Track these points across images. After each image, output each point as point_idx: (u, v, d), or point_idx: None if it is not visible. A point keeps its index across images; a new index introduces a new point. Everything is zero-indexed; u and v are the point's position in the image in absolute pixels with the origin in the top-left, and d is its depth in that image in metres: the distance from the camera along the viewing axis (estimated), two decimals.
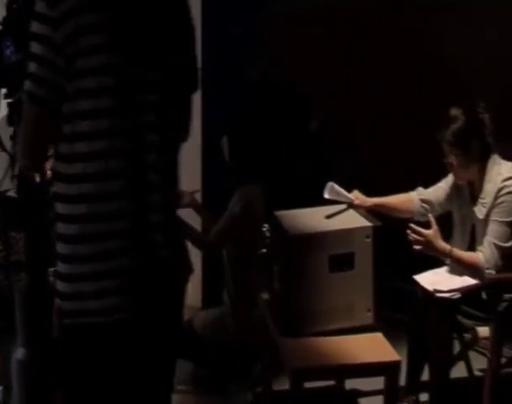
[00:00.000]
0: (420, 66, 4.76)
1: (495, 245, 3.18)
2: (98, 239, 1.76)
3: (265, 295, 3.52)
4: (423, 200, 3.53)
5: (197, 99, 4.39)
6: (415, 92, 4.74)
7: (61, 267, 1.80)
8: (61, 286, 1.81)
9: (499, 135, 3.32)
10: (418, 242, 3.21)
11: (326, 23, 4.92)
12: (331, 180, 3.48)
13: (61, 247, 1.80)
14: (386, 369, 2.95)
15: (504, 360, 3.59)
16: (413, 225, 3.23)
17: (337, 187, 3.42)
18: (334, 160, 4.71)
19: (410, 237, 3.22)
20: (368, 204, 3.50)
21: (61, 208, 1.80)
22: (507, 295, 3.21)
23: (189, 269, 2.01)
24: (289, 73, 4.86)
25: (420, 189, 3.57)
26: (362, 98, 4.84)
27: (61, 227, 1.79)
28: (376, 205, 3.52)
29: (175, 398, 3.57)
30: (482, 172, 3.29)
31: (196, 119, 4.38)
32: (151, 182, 1.82)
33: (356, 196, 3.50)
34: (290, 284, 3.17)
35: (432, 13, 4.72)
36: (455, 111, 3.28)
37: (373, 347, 3.04)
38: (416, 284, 3.37)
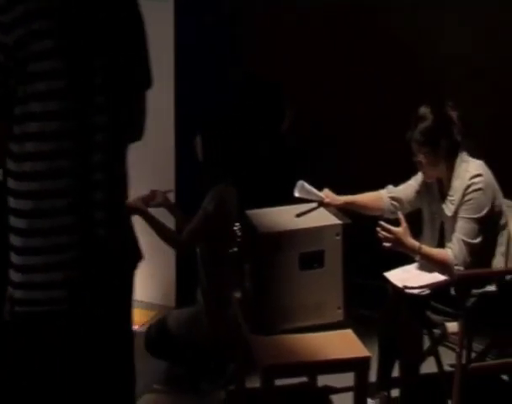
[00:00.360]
0: (397, 66, 4.81)
1: (464, 241, 3.21)
2: (46, 233, 1.83)
3: (237, 294, 3.55)
4: (392, 198, 3.57)
5: (170, 99, 4.48)
6: (388, 91, 4.79)
7: (14, 258, 1.88)
8: (13, 276, 1.88)
9: (467, 132, 3.36)
10: (387, 240, 3.24)
11: (299, 20, 4.96)
12: (301, 179, 3.50)
13: (13, 239, 1.88)
14: (356, 365, 2.99)
15: (474, 355, 3.66)
16: (382, 223, 3.26)
17: (307, 185, 3.44)
18: (306, 159, 4.75)
19: (380, 235, 3.25)
20: (338, 202, 3.53)
21: (12, 202, 1.87)
22: (475, 291, 3.24)
23: (138, 257, 2.04)
24: (261, 73, 4.89)
25: (390, 187, 3.61)
26: (333, 96, 4.88)
27: (13, 220, 1.87)
28: (347, 203, 3.55)
29: (149, 397, 3.63)
30: (451, 169, 3.32)
31: (169, 119, 4.46)
32: (97, 181, 1.86)
33: (326, 194, 3.52)
34: (261, 282, 3.21)
35: (420, 11, 4.77)
36: (423, 110, 3.31)
37: (343, 343, 3.07)
38: (386, 281, 3.39)
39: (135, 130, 2.03)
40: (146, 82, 2.02)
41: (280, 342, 3.05)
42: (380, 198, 3.59)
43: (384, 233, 3.24)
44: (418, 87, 4.53)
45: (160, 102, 4.46)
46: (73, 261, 1.85)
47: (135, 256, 2.03)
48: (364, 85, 4.88)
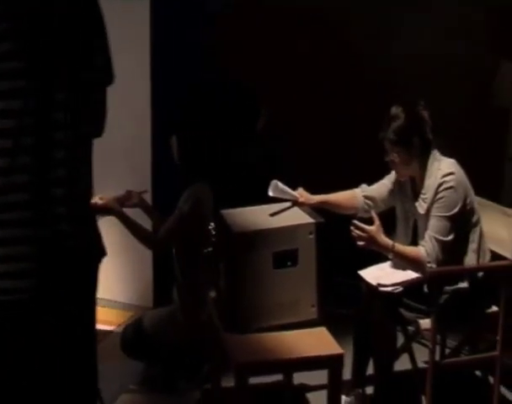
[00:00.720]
0: (363, 68, 4.85)
1: (436, 239, 3.24)
2: (4, 226, 1.85)
3: (213, 294, 3.56)
4: (366, 197, 3.60)
5: (147, 99, 4.48)
6: (358, 91, 4.83)
7: None
8: None
9: (439, 131, 3.39)
10: (361, 238, 3.27)
11: (275, 23, 4.98)
12: (277, 178, 3.52)
13: None
14: (330, 362, 3.00)
15: (448, 351, 3.70)
16: (356, 222, 3.28)
17: (281, 185, 3.46)
18: (281, 158, 4.77)
19: (353, 233, 3.27)
20: (312, 201, 3.56)
21: None
22: (448, 288, 3.28)
23: (101, 253, 2.05)
24: (236, 72, 4.91)
25: (364, 186, 3.64)
26: (309, 96, 4.91)
27: None
28: (321, 202, 3.58)
29: (126, 397, 3.63)
30: (423, 168, 3.35)
31: (146, 119, 4.47)
32: (58, 177, 1.88)
33: (301, 194, 3.55)
34: (235, 281, 3.22)
35: (384, 11, 4.82)
36: (395, 109, 3.34)
37: (317, 341, 3.09)
38: (361, 279, 3.42)
39: (96, 126, 2.04)
40: (108, 78, 2.03)
41: (254, 341, 3.06)
42: (354, 197, 3.62)
43: (357, 232, 3.26)
44: (386, 88, 4.58)
45: (136, 102, 4.49)
46: (32, 254, 1.86)
47: (97, 252, 2.04)
48: (309, 84, 4.92)
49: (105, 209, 3.45)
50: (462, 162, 3.37)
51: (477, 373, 3.72)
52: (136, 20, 4.44)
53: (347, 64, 4.87)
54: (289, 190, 3.49)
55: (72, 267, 1.92)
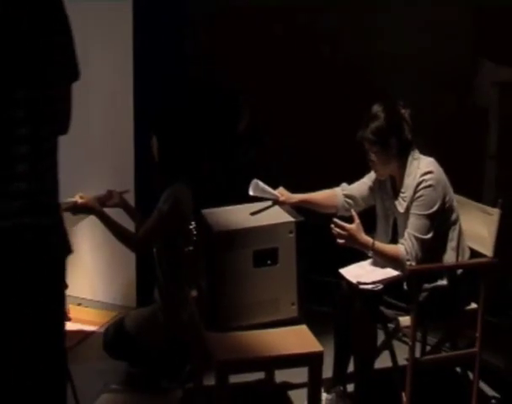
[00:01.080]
0: (344, 67, 4.87)
1: (415, 237, 3.26)
2: None
3: (194, 293, 3.57)
4: (346, 195, 3.62)
5: (129, 99, 4.49)
6: (340, 90, 4.85)
7: None
8: None
9: (419, 131, 3.42)
10: (340, 236, 3.29)
11: (257, 23, 5.00)
12: (258, 178, 3.53)
13: None
14: (310, 360, 3.02)
15: (428, 348, 3.73)
16: (336, 220, 3.30)
17: (261, 184, 3.47)
18: (263, 158, 4.80)
19: (334, 231, 3.29)
20: (293, 200, 3.57)
21: None
22: (427, 285, 3.31)
23: (67, 250, 2.06)
24: (220, 73, 4.93)
25: (344, 185, 3.66)
26: (291, 97, 4.92)
27: None
28: (301, 201, 3.59)
29: (107, 397, 3.63)
30: (403, 167, 3.36)
31: (129, 120, 4.47)
32: (20, 172, 1.89)
33: (281, 193, 3.56)
34: (216, 280, 3.24)
35: (365, 11, 4.85)
36: (375, 109, 3.36)
37: (297, 339, 3.11)
38: (341, 277, 3.44)
39: (60, 123, 2.04)
40: (71, 75, 2.03)
41: (235, 339, 3.08)
42: (334, 195, 3.64)
43: (338, 230, 3.28)
44: (367, 87, 4.60)
45: (119, 102, 4.50)
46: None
47: (62, 248, 2.04)
48: (292, 85, 4.94)
49: (85, 209, 3.46)
50: (444, 161, 3.39)
51: (458, 369, 3.75)
52: (119, 20, 4.45)
53: (329, 64, 4.90)
54: (269, 189, 3.51)
55: (33, 260, 1.92)
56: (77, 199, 3.46)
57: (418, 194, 3.30)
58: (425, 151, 3.42)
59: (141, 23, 4.50)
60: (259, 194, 3.48)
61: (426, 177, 3.29)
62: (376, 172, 3.48)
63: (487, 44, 4.60)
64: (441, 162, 3.39)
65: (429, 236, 3.27)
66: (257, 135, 4.94)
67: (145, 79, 4.52)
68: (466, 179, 3.87)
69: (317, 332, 3.20)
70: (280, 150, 4.86)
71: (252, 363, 2.99)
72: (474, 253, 3.47)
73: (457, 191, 3.46)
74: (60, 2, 1.99)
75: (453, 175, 3.40)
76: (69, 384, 2.90)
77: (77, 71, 2.03)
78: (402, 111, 3.37)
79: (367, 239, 3.32)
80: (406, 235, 3.29)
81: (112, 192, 3.74)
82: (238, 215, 3.41)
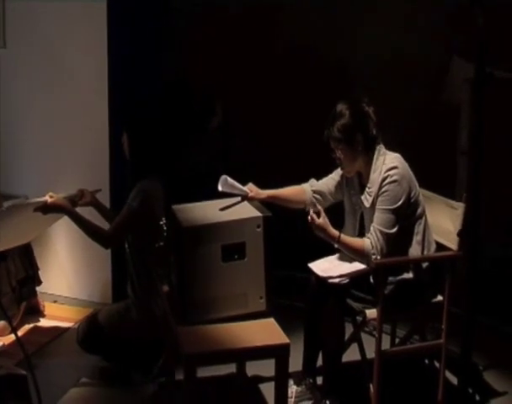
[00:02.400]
0: (313, 64, 4.93)
1: (380, 231, 3.32)
2: None
3: (166, 288, 3.62)
4: (315, 191, 3.67)
5: (104, 97, 4.52)
6: (309, 88, 4.90)
7: None
8: None
9: (384, 126, 3.47)
10: (313, 221, 3.32)
11: (230, 22, 5.05)
12: (227, 174, 3.57)
13: None
14: (276, 352, 3.06)
15: (397, 341, 3.79)
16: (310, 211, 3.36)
17: (230, 180, 3.50)
18: (233, 154, 4.85)
19: (310, 216, 3.33)
20: (262, 195, 3.61)
21: None
22: (392, 278, 3.37)
23: None
24: (192, 71, 4.97)
25: (312, 181, 3.71)
26: (261, 94, 4.98)
27: None
28: (270, 197, 3.63)
29: (76, 391, 3.67)
30: (369, 163, 3.42)
31: (103, 118, 4.50)
32: None
33: (250, 188, 3.60)
34: (185, 274, 3.28)
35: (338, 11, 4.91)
36: (340, 107, 3.41)
37: (265, 331, 3.15)
38: (310, 271, 3.49)
39: None
40: None
41: (203, 332, 3.12)
42: (302, 191, 3.69)
43: (313, 215, 3.32)
44: (338, 85, 4.66)
45: (94, 101, 4.53)
46: None
47: None
48: (262, 82, 4.98)
49: (55, 208, 3.49)
50: (415, 157, 3.42)
51: (426, 361, 3.82)
52: (93, 19, 4.48)
53: (299, 62, 4.95)
54: (238, 185, 3.54)
55: None
56: (47, 198, 3.48)
57: (383, 189, 3.35)
58: (394, 148, 3.47)
59: (116, 23, 4.53)
60: (228, 190, 3.51)
61: (391, 172, 3.35)
62: (343, 169, 3.52)
63: (459, 40, 4.67)
64: (413, 158, 3.42)
65: (394, 230, 3.33)
66: (228, 131, 4.98)
67: (119, 78, 4.55)
68: (440, 174, 3.95)
69: (287, 325, 3.24)
70: (249, 146, 4.91)
71: (219, 355, 3.02)
72: (440, 247, 3.53)
73: (431, 186, 3.51)
74: None
75: (427, 170, 3.44)
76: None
77: None
78: (367, 108, 3.42)
79: (334, 232, 3.36)
80: (371, 229, 3.34)
81: (84, 191, 3.77)
82: (207, 211, 3.45)
